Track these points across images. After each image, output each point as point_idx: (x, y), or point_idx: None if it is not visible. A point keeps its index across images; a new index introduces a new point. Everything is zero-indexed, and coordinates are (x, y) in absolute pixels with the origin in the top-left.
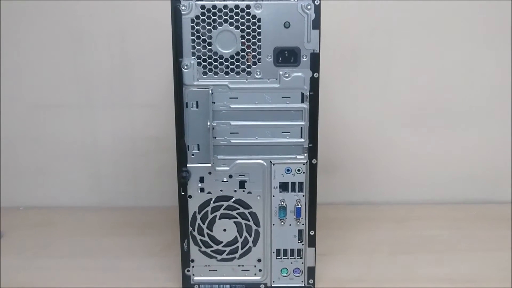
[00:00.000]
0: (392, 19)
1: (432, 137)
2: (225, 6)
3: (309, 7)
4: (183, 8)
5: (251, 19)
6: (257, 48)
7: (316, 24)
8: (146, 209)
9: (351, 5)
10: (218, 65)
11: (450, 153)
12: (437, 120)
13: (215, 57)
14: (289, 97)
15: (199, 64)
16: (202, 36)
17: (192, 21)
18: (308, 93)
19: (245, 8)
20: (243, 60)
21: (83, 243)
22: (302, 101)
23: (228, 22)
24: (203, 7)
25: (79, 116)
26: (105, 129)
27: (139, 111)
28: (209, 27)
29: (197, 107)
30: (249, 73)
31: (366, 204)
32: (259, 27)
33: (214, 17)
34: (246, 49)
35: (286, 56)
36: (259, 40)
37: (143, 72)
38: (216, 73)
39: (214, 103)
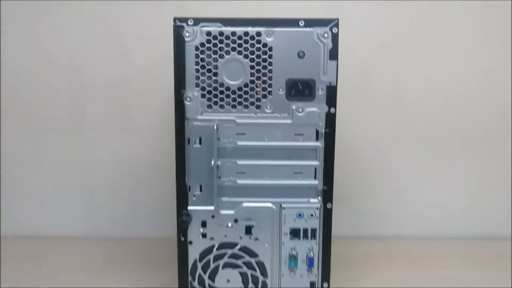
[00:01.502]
0: (401, 37)
1: (446, 165)
2: (233, 33)
3: (325, 35)
4: (187, 34)
5: (261, 47)
6: (268, 80)
7: (334, 54)
8: (144, 240)
9: (357, 21)
10: (225, 97)
11: (467, 183)
12: (452, 146)
13: (221, 88)
14: (302, 134)
15: (203, 96)
16: (207, 65)
17: (197, 48)
18: (323, 130)
19: (255, 36)
20: (252, 92)
21: (72, 282)
22: (317, 139)
23: (236, 51)
24: (208, 33)
25: (74, 140)
26: (101, 154)
27: (138, 134)
28: (215, 56)
29: (200, 143)
30: (258, 107)
31: (375, 238)
32: (270, 56)
33: (221, 45)
34: (255, 80)
35: (300, 89)
36: (270, 71)
37: (142, 93)
38: (222, 107)
39: (219, 139)
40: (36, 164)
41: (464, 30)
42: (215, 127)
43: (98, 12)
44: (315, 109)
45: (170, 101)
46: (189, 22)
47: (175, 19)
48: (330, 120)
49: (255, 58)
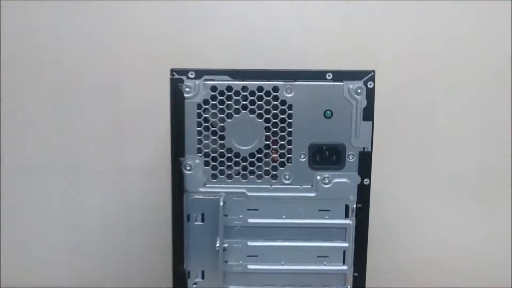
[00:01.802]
0: (429, 72)
1: (478, 216)
2: (244, 88)
3: (359, 91)
4: (187, 90)
5: (279, 105)
6: (286, 144)
7: (369, 114)
8: None
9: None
10: (233, 165)
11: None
12: (486, 196)
13: (229, 155)
14: (329, 210)
15: (207, 164)
16: (212, 126)
17: (199, 107)
18: (354, 206)
19: (271, 91)
20: (267, 159)
21: None
22: (346, 216)
23: (248, 109)
24: (214, 88)
25: (63, 183)
26: (93, 199)
27: (133, 177)
28: (222, 115)
29: (202, 221)
30: (274, 177)
31: None
32: (290, 116)
33: (229, 102)
34: (271, 145)
35: (326, 156)
36: (289, 134)
37: (138, 132)
38: (229, 177)
39: (227, 216)
40: (19, 208)
41: None
42: (221, 202)
43: (91, 47)
44: (344, 180)
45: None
46: (189, 74)
47: (172, 71)
48: (363, 193)
49: (271, 118)
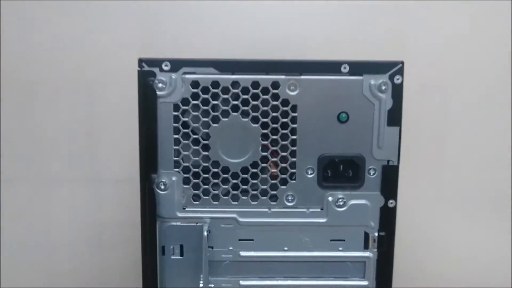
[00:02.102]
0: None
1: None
2: (235, 84)
3: (383, 87)
4: (160, 86)
5: (280, 106)
6: (289, 156)
7: (395, 118)
8: None
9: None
10: (221, 183)
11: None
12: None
13: (216, 170)
14: (343, 240)
15: (186, 181)
16: (194, 133)
17: (177, 108)
18: (376, 234)
19: (270, 88)
20: (265, 176)
21: None
22: (366, 247)
23: (240, 111)
24: (195, 84)
25: (28, 194)
26: (63, 212)
27: (108, 188)
28: (206, 119)
29: (181, 254)
30: (274, 198)
31: None
32: (294, 120)
33: (215, 102)
34: (270, 157)
35: (340, 171)
36: (293, 143)
37: (113, 138)
38: (216, 198)
39: (212, 248)
40: None
41: None
42: (206, 230)
43: (57, 46)
44: (363, 202)
45: None
46: (163, 66)
47: (140, 61)
48: (388, 218)
49: (270, 123)
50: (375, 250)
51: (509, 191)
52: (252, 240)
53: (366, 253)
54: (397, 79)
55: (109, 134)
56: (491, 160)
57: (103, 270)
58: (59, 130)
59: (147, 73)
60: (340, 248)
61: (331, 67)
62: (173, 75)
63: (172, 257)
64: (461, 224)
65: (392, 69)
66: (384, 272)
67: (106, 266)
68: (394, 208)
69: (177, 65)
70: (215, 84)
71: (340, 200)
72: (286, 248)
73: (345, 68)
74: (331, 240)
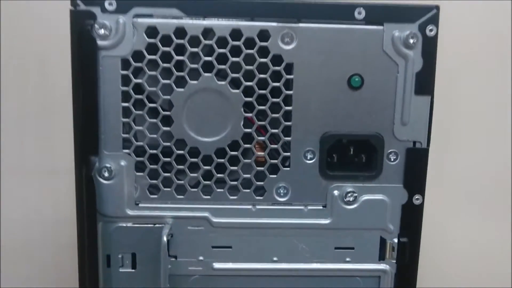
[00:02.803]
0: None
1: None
2: (208, 33)
3: (411, 41)
4: (102, 33)
5: (270, 65)
6: (281, 134)
7: (426, 83)
8: None
9: None
10: (187, 170)
11: None
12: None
13: (181, 152)
14: (352, 249)
15: (140, 167)
16: (150, 101)
17: (126, 64)
18: (396, 240)
19: (256, 39)
20: (248, 160)
21: None
22: (382, 258)
23: (215, 71)
24: (152, 32)
25: None
26: (13, 207)
27: (65, 179)
28: (167, 81)
29: (133, 266)
30: (260, 190)
31: None
32: (288, 84)
33: (181, 58)
34: (255, 135)
35: (350, 155)
36: (287, 116)
37: (69, 120)
38: (180, 190)
39: (176, 258)
40: None
41: None
42: (167, 234)
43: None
44: (380, 197)
45: None
46: (107, 4)
47: None
48: (412, 219)
49: (256, 88)
50: (394, 261)
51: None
52: (230, 247)
53: (382, 266)
54: (430, 30)
55: (67, 114)
56: (496, 157)
57: (58, 274)
58: (10, 113)
59: (83, 14)
60: (347, 259)
61: (341, 11)
62: (121, 18)
63: (121, 269)
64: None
65: (423, 16)
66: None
67: (62, 269)
68: (421, 206)
69: (126, 4)
70: (180, 32)
71: (349, 194)
72: (275, 259)
73: (359, 14)
74: (335, 248)
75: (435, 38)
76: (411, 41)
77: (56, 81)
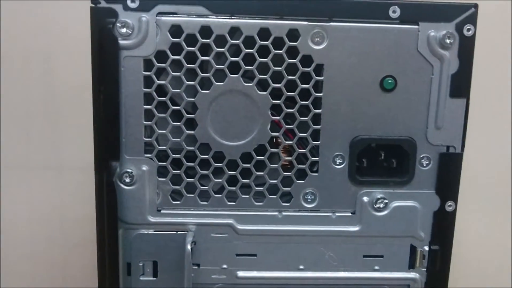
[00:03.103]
0: None
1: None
2: (235, 32)
3: (447, 41)
4: (124, 31)
5: (299, 65)
6: (310, 139)
7: (462, 86)
8: None
9: None
10: (212, 176)
11: None
12: None
13: (205, 156)
14: (381, 257)
15: (162, 173)
16: (174, 103)
17: (149, 65)
18: (427, 248)
19: (285, 39)
20: (275, 166)
21: None
22: (412, 266)
23: (241, 72)
24: (177, 31)
25: None
26: (18, 204)
27: (71, 176)
28: (192, 82)
29: (154, 275)
30: (287, 196)
31: None
32: (318, 86)
33: (206, 58)
34: (282, 139)
35: (381, 160)
36: (316, 119)
37: (77, 116)
38: (204, 196)
39: (199, 266)
40: None
41: None
42: (190, 242)
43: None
44: (411, 204)
45: None
46: (129, 1)
47: None
48: (445, 226)
49: (284, 90)
50: (424, 270)
51: None
52: (255, 255)
53: (412, 274)
54: (468, 30)
55: (70, 112)
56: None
57: (63, 268)
58: (13, 109)
59: (104, 11)
60: (376, 267)
61: (375, 10)
62: (144, 16)
63: (142, 278)
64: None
65: (461, 15)
66: None
67: (67, 268)
68: (453, 213)
69: (149, 1)
70: (206, 31)
71: (379, 201)
72: (301, 267)
73: (394, 12)
74: (364, 256)
75: (472, 38)
76: (448, 41)
77: (63, 80)
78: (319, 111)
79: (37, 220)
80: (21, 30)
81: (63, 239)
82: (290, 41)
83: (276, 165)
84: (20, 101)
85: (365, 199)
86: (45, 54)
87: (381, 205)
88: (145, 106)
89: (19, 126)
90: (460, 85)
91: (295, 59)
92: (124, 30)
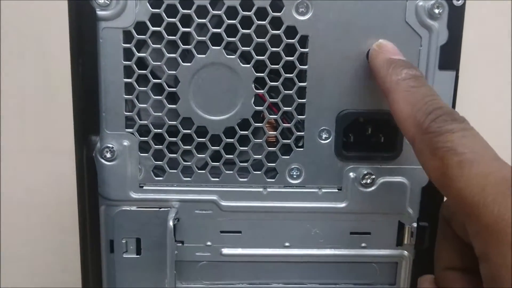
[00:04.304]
0: None
1: None
2: (217, 2)
3: (436, 11)
4: (101, 1)
5: (283, 37)
6: (294, 112)
7: (451, 58)
8: None
9: None
10: (195, 151)
11: None
12: None
13: (187, 131)
14: (369, 234)
15: (144, 148)
16: (155, 76)
17: (128, 37)
18: (415, 225)
19: (268, 9)
20: (259, 140)
21: None
22: (400, 243)
23: (224, 44)
24: (156, 1)
25: None
26: (13, 187)
27: (66, 159)
28: (173, 55)
29: (137, 252)
30: (272, 172)
31: None
32: (302, 58)
33: (187, 29)
34: (266, 113)
35: (368, 135)
36: (301, 93)
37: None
38: (187, 172)
39: (183, 243)
40: None
41: None
42: (173, 218)
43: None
44: (399, 179)
45: None
46: None
47: None
48: (433, 202)
49: (268, 63)
50: (411, 247)
51: None
52: (240, 232)
53: (400, 251)
54: (457, 0)
55: (66, 95)
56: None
57: (61, 252)
58: (6, 90)
59: None
60: (363, 244)
61: None
62: None
63: (125, 255)
64: None
65: None
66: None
67: (64, 253)
68: None
69: None
70: (187, 1)
71: (366, 176)
72: (287, 244)
73: None
74: (351, 233)
75: (462, 8)
76: (436, 11)
77: (57, 59)
78: (304, 84)
79: (32, 203)
80: (15, 12)
81: (60, 226)
82: (273, 12)
83: (261, 140)
84: (15, 79)
85: (352, 174)
86: (38, 35)
87: (368, 181)
88: (126, 80)
89: (12, 109)
90: (449, 57)
91: (279, 30)
92: (101, 0)
